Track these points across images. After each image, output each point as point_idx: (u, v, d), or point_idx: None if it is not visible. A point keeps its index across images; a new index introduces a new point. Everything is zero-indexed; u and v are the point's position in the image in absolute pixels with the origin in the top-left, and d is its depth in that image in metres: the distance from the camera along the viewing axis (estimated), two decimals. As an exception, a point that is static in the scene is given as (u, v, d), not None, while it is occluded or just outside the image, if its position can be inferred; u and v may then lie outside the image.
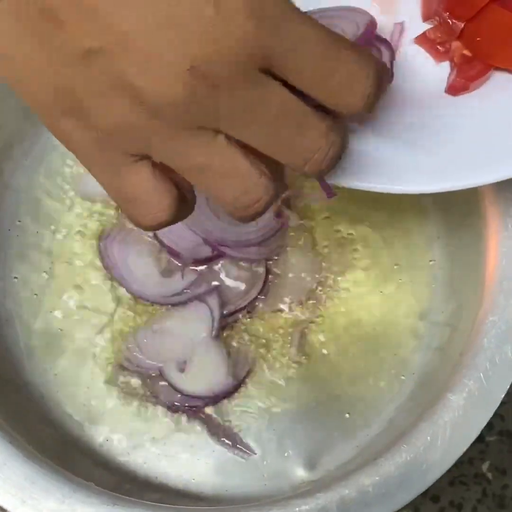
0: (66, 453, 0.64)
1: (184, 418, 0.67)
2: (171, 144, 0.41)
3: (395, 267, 0.71)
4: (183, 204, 0.44)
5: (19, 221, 0.72)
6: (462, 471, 0.55)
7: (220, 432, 0.67)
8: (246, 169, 0.41)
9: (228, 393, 0.67)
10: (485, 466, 0.72)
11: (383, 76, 0.42)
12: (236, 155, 0.41)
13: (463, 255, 0.68)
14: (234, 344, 0.69)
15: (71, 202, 0.72)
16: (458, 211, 0.68)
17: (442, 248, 0.71)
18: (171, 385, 0.67)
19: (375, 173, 0.55)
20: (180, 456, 0.66)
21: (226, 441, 0.66)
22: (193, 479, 0.66)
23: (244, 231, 0.69)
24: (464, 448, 0.55)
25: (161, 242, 0.69)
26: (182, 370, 0.67)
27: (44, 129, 0.71)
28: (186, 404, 0.67)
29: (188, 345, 0.67)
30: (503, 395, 0.57)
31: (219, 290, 0.69)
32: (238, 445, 0.67)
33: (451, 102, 0.57)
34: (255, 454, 0.66)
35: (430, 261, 0.71)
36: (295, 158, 0.42)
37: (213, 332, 0.67)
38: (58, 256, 0.71)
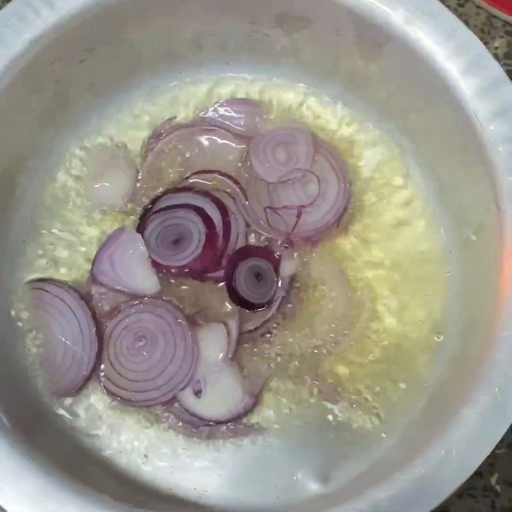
0: (79, 465, 0.63)
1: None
2: None
3: (407, 280, 0.72)
4: None
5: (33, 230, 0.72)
6: (471, 483, 0.55)
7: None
8: None
9: (246, 412, 0.67)
10: (494, 479, 0.72)
11: None
12: None
13: (476, 270, 0.67)
14: (246, 361, 0.69)
15: (84, 211, 0.73)
16: (471, 225, 0.68)
17: (455, 262, 0.71)
18: (187, 411, 0.67)
19: None
20: (193, 468, 0.66)
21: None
22: (206, 491, 0.66)
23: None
24: (479, 463, 0.55)
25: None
26: (197, 393, 0.67)
27: (57, 142, 0.73)
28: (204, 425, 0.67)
29: (203, 366, 0.67)
30: (517, 410, 0.57)
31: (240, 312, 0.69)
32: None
33: None
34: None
35: (445, 273, 0.71)
36: None
37: (230, 354, 0.68)
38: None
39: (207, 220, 0.70)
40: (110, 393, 0.67)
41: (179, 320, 0.68)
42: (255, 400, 0.67)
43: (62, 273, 0.71)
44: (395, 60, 0.67)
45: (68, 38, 0.65)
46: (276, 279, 0.70)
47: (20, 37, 0.63)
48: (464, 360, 0.64)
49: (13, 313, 0.69)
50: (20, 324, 0.69)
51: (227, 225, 0.71)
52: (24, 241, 0.72)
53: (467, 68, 0.62)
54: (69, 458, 0.62)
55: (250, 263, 0.70)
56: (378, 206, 0.74)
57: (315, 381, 0.69)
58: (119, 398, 0.67)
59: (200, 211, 0.71)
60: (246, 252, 0.71)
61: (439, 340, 0.69)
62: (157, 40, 0.72)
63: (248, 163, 0.74)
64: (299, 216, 0.71)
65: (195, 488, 0.66)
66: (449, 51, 0.62)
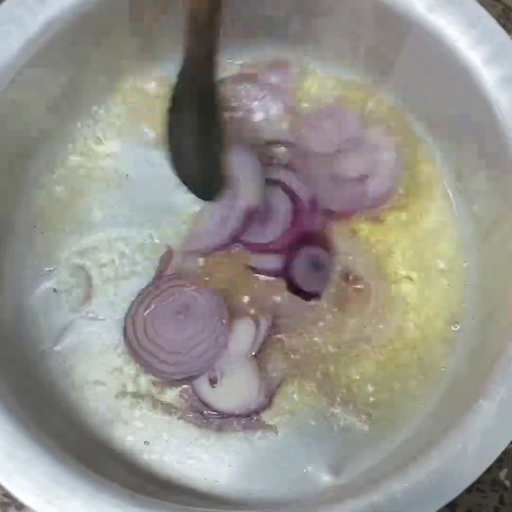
0: (90, 454, 0.63)
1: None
2: None
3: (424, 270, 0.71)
4: None
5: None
6: (480, 478, 0.54)
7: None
8: None
9: (259, 411, 0.67)
10: (503, 474, 0.71)
11: None
12: None
13: (494, 262, 0.67)
14: (267, 361, 0.68)
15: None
16: (490, 216, 0.68)
17: (473, 254, 0.71)
18: (199, 397, 0.66)
19: None
20: (204, 458, 0.66)
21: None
22: (217, 482, 0.65)
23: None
24: (496, 456, 0.55)
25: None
26: (213, 381, 0.66)
27: (67, 130, 0.71)
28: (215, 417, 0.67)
29: (225, 357, 0.67)
30: (536, 402, 0.56)
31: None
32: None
33: None
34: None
35: (463, 263, 0.71)
36: None
37: (254, 351, 0.67)
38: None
39: (293, 195, 0.71)
40: (130, 348, 0.68)
41: (221, 306, 0.68)
42: (270, 400, 0.67)
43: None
44: (417, 49, 0.66)
45: (84, 20, 0.64)
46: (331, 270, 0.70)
47: (37, 18, 0.62)
48: (481, 352, 0.64)
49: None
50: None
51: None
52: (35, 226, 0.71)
53: (489, 58, 0.61)
54: (80, 447, 0.62)
55: (310, 251, 0.70)
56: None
57: (330, 377, 0.68)
58: (133, 356, 0.67)
59: (284, 186, 0.71)
60: (307, 238, 0.71)
61: (456, 329, 0.69)
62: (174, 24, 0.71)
63: (299, 138, 0.74)
64: (362, 185, 0.71)
65: (205, 479, 0.65)
66: (472, 40, 0.62)
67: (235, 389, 0.66)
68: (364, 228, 0.72)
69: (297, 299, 0.69)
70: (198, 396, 0.66)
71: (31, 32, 0.62)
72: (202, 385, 0.66)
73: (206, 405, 0.66)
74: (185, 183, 0.69)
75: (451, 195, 0.73)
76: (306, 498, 0.63)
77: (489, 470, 0.55)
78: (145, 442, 0.66)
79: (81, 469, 0.55)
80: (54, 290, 0.69)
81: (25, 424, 0.56)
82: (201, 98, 0.63)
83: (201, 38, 0.57)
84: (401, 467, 0.55)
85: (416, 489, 0.54)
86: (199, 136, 0.65)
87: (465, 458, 0.55)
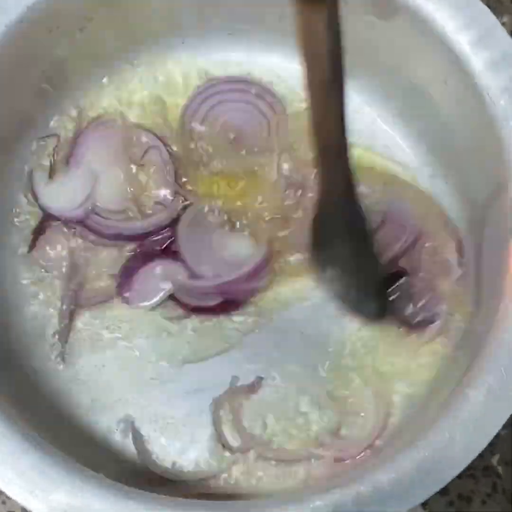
0: (75, 443, 0.62)
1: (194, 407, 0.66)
2: None
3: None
4: None
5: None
6: (471, 464, 0.54)
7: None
8: None
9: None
10: (495, 459, 0.71)
11: None
12: None
13: (484, 248, 0.66)
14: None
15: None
16: (479, 202, 0.67)
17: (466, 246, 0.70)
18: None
19: None
20: (193, 449, 0.65)
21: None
22: (210, 470, 0.65)
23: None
24: (484, 445, 0.54)
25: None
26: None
27: (56, 110, 0.71)
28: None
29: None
30: (524, 390, 0.56)
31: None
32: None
33: None
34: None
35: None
36: None
37: None
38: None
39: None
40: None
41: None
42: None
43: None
44: (403, 32, 0.65)
45: (68, 4, 0.63)
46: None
47: (19, 2, 0.62)
48: (469, 340, 0.64)
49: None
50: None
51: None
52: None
53: (477, 41, 0.61)
54: (64, 437, 0.61)
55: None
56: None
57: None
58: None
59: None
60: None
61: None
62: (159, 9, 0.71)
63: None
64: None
65: (194, 469, 0.65)
66: (460, 23, 0.61)
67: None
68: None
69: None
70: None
71: (12, 17, 0.61)
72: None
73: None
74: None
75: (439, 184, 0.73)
76: (292, 488, 0.63)
77: (481, 455, 0.54)
78: (132, 431, 0.65)
79: (65, 459, 0.54)
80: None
81: (7, 414, 0.55)
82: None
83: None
84: (388, 457, 0.55)
85: (403, 479, 0.53)
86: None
87: (453, 447, 0.54)
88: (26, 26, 0.62)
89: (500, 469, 0.71)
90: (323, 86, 0.48)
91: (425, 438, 0.55)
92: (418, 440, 0.55)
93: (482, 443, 0.54)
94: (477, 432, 0.55)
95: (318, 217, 0.61)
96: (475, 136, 0.65)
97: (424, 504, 0.70)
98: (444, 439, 0.54)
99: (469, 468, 0.54)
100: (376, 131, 0.75)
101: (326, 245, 0.62)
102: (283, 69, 0.75)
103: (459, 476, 0.54)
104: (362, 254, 0.63)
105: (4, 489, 0.52)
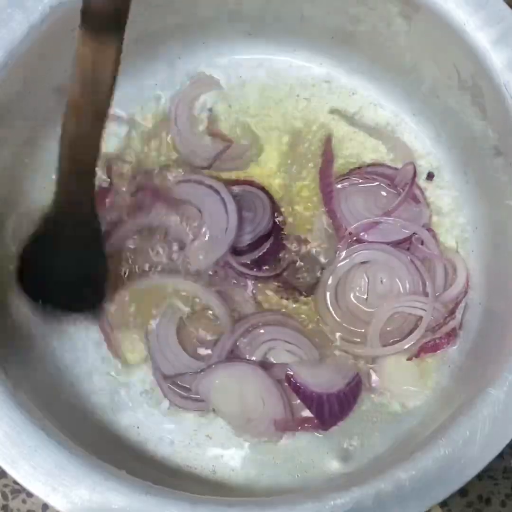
0: (97, 441, 0.63)
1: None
2: None
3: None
4: None
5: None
6: (491, 465, 0.54)
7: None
8: None
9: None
10: (515, 461, 0.71)
11: None
12: None
13: (501, 244, 0.66)
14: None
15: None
16: (495, 201, 0.67)
17: (480, 237, 0.70)
18: None
19: None
20: (211, 444, 0.66)
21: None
22: (224, 468, 0.65)
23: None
24: (504, 443, 0.54)
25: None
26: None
27: None
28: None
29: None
30: (545, 389, 0.56)
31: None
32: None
33: None
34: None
35: (471, 251, 0.70)
36: None
37: None
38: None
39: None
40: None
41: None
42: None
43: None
44: (424, 31, 0.65)
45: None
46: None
47: (41, 2, 0.61)
48: (489, 339, 0.63)
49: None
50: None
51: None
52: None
53: (498, 39, 0.60)
54: (86, 434, 0.62)
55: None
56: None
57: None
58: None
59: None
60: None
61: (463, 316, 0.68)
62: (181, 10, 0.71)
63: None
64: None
65: (213, 465, 0.65)
66: (480, 21, 0.61)
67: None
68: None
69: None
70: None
71: (34, 17, 0.61)
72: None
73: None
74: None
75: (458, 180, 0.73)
76: (313, 485, 0.63)
77: (500, 456, 0.54)
78: (151, 429, 0.66)
79: (87, 456, 0.55)
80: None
81: (29, 410, 0.56)
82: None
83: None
84: (409, 454, 0.55)
85: (424, 477, 0.53)
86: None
87: (473, 445, 0.54)
88: (49, 26, 0.62)
89: (519, 470, 0.70)
90: (93, 113, 0.49)
91: (445, 436, 0.55)
92: (438, 438, 0.55)
93: (502, 442, 0.54)
94: (497, 430, 0.54)
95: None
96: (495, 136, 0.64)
97: (444, 505, 0.70)
98: (464, 437, 0.54)
99: (489, 469, 0.54)
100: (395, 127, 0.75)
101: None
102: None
103: (479, 477, 0.54)
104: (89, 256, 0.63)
105: (27, 486, 0.53)
